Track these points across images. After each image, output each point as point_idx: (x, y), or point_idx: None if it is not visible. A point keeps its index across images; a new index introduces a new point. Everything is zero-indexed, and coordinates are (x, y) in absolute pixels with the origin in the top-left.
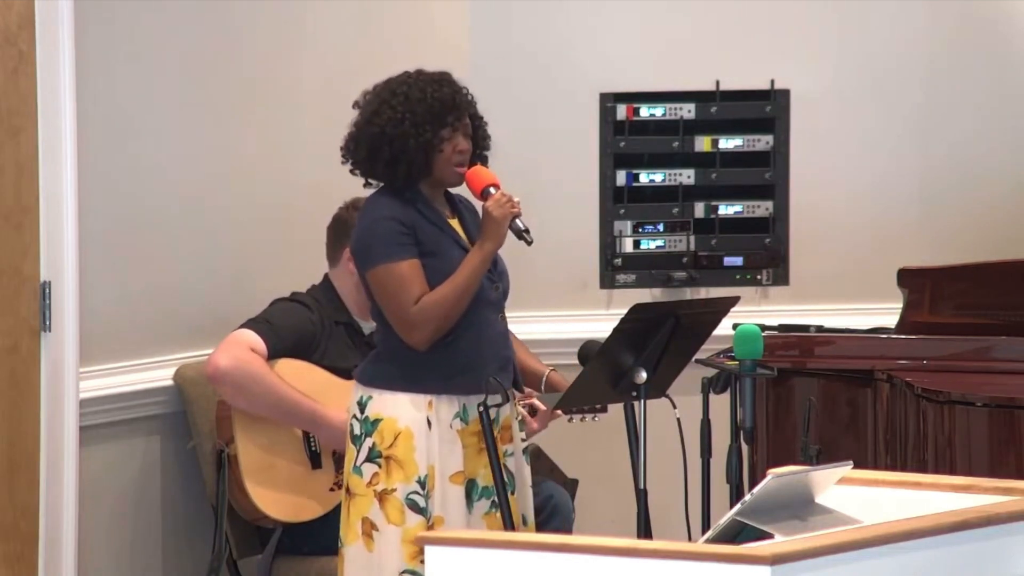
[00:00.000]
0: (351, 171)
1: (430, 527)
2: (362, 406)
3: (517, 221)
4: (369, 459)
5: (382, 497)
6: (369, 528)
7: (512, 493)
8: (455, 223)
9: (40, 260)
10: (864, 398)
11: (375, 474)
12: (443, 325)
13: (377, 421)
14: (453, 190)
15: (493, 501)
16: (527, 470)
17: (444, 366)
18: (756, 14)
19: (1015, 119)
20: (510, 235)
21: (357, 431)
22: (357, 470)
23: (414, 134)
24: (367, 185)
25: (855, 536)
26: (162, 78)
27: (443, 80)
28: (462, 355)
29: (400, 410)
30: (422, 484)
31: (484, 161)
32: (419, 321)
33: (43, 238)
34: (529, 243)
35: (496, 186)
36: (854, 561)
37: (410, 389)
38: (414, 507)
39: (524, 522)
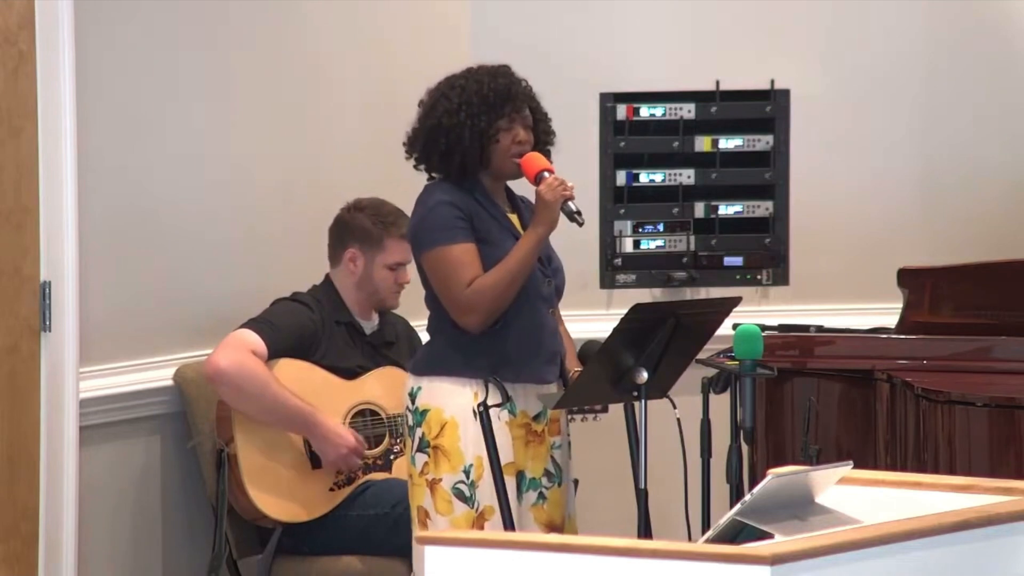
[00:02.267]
0: (415, 166)
1: (479, 516)
2: (412, 397)
3: (569, 204)
4: (420, 449)
5: (432, 486)
6: (424, 517)
7: (559, 485)
8: (514, 218)
9: (40, 260)
10: (864, 398)
11: (425, 463)
12: (496, 308)
13: (425, 411)
14: (517, 191)
15: (540, 493)
16: (570, 464)
17: (491, 355)
18: (756, 14)
19: (1015, 119)
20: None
21: (411, 422)
22: (412, 460)
23: (469, 124)
24: (431, 179)
25: (855, 536)
26: (162, 78)
27: (500, 71)
28: (510, 345)
29: (445, 400)
30: (467, 473)
31: (547, 156)
32: (472, 303)
33: (43, 238)
34: (580, 224)
35: (550, 171)
36: (854, 561)
37: (456, 375)
38: (460, 496)
39: (569, 516)
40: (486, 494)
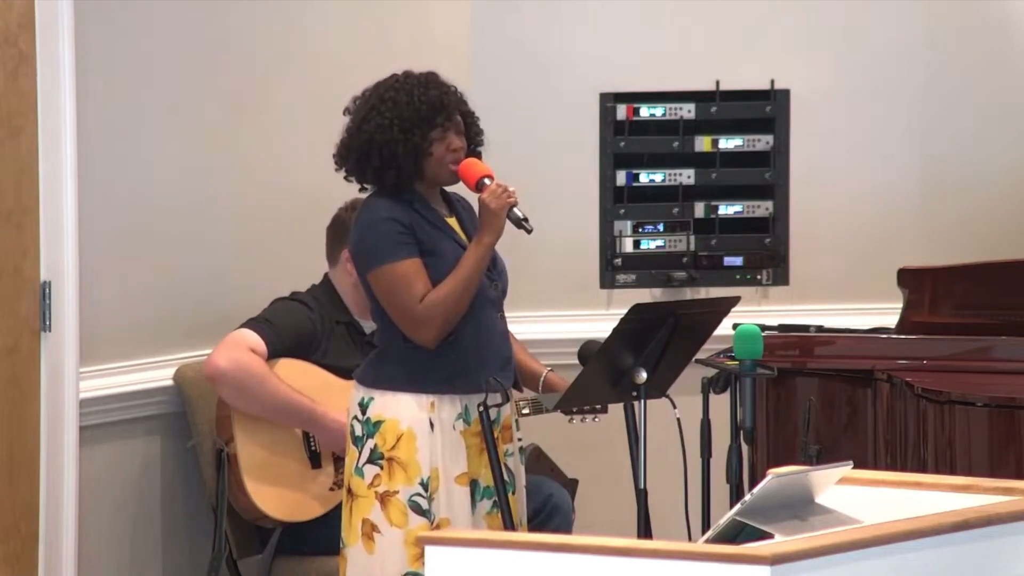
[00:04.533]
0: (345, 178)
1: (435, 528)
2: (363, 407)
3: (515, 210)
4: (371, 460)
5: (384, 499)
6: (370, 530)
7: (512, 493)
8: (453, 222)
9: (40, 260)
10: (864, 398)
11: (376, 475)
12: (450, 321)
13: (379, 423)
14: (450, 188)
15: (494, 501)
16: (522, 470)
17: (446, 366)
18: (756, 14)
19: (1015, 119)
20: (509, 227)
21: (359, 432)
22: (359, 471)
23: (403, 139)
24: (363, 189)
25: (855, 536)
26: (162, 78)
27: (430, 81)
28: (464, 355)
29: (402, 411)
30: (425, 486)
31: (478, 157)
32: (426, 319)
33: (43, 238)
34: (529, 231)
35: (490, 177)
36: (854, 561)
37: (412, 389)
38: (417, 509)
39: (522, 522)
40: (442, 506)
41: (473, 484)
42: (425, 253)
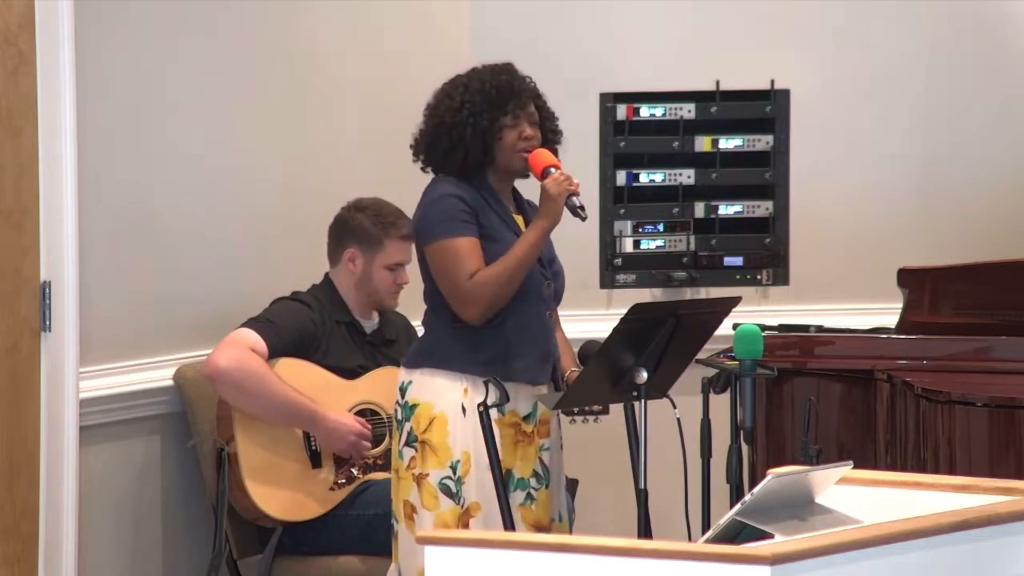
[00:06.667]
0: (422, 168)
1: (465, 512)
2: (403, 391)
3: (573, 198)
4: (407, 443)
5: (419, 481)
6: (410, 511)
7: (547, 487)
8: (519, 219)
9: (40, 260)
10: (864, 398)
11: (412, 458)
12: (497, 300)
13: (415, 406)
14: (525, 196)
15: (529, 493)
16: (557, 466)
17: (485, 351)
18: (756, 14)
19: (1015, 119)
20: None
21: (399, 416)
22: (399, 454)
23: (471, 122)
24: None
25: (855, 536)
26: (162, 78)
27: (502, 69)
28: (504, 343)
29: (436, 395)
30: (454, 469)
31: (554, 154)
32: (473, 295)
33: (43, 238)
34: (583, 219)
35: (556, 167)
36: (854, 561)
37: (448, 368)
38: (447, 492)
39: (560, 519)
40: (472, 490)
41: (507, 474)
42: (484, 237)
